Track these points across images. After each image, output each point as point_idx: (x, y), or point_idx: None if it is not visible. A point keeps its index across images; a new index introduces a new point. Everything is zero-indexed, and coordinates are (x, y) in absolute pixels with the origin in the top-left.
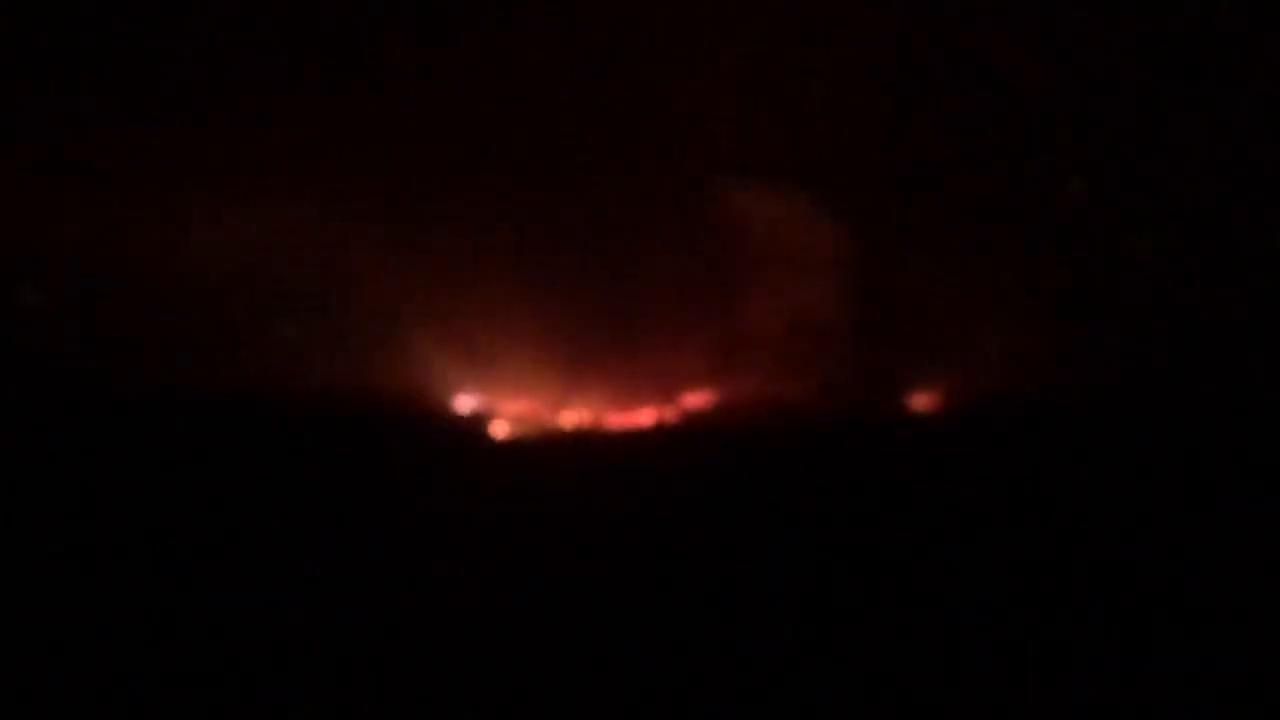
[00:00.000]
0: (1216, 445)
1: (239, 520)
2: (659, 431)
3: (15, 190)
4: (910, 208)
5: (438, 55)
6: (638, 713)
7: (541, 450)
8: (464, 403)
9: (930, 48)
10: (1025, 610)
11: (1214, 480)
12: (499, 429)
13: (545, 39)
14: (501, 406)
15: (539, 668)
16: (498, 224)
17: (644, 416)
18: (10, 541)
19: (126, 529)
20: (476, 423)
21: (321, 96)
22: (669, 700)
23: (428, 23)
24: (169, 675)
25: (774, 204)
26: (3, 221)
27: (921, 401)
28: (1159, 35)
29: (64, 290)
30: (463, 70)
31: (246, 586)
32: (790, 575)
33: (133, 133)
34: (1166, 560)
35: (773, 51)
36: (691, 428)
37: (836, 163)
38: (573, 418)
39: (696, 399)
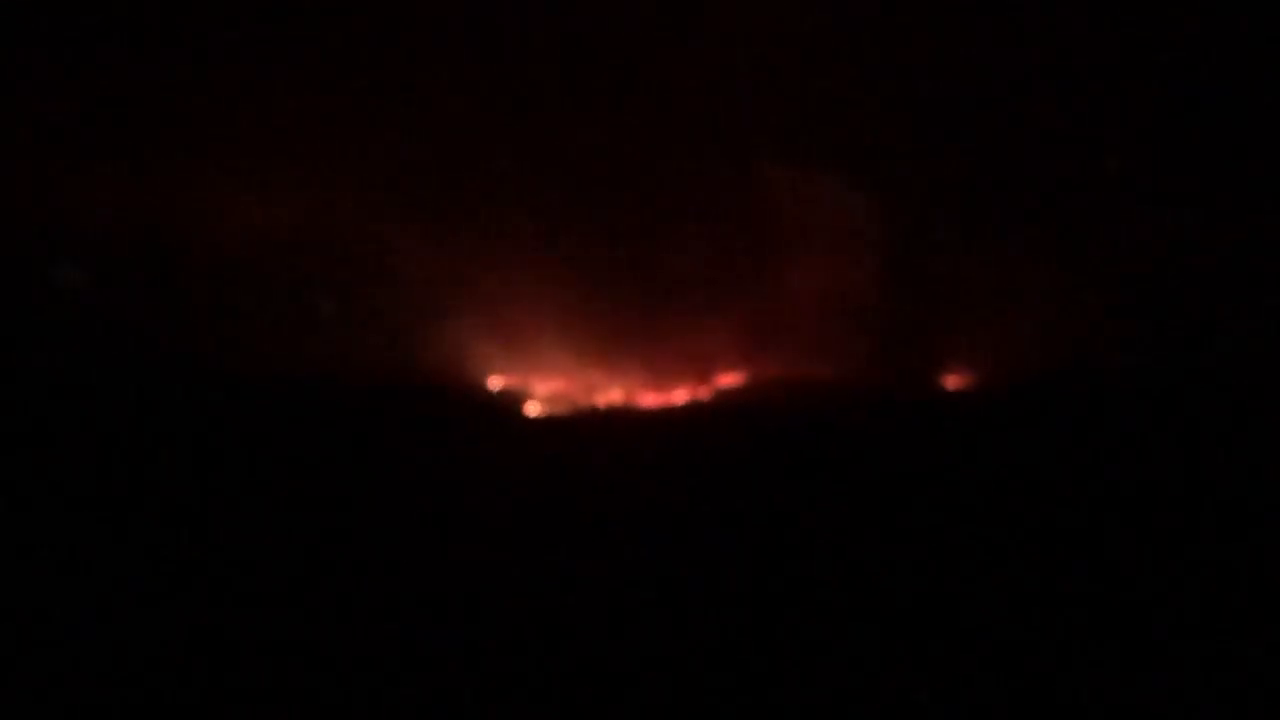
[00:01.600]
0: (1251, 422)
1: (278, 491)
2: (692, 411)
3: (59, 172)
4: (942, 191)
5: (480, 37)
6: (666, 677)
7: (575, 429)
8: (499, 382)
9: (963, 32)
10: (1053, 584)
11: (1244, 455)
12: (533, 408)
13: (585, 21)
14: (536, 386)
15: (568, 637)
16: (533, 206)
17: (677, 396)
18: (50, 509)
19: (167, 498)
20: (511, 402)
21: (363, 79)
22: (699, 667)
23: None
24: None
25: (807, 187)
26: (47, 202)
27: (953, 382)
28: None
29: (107, 269)
30: (503, 53)
31: (286, 551)
32: (820, 554)
33: (175, 116)
34: (1192, 531)
35: (807, 37)
36: (724, 407)
37: (869, 146)
38: (606, 397)
39: (729, 379)
